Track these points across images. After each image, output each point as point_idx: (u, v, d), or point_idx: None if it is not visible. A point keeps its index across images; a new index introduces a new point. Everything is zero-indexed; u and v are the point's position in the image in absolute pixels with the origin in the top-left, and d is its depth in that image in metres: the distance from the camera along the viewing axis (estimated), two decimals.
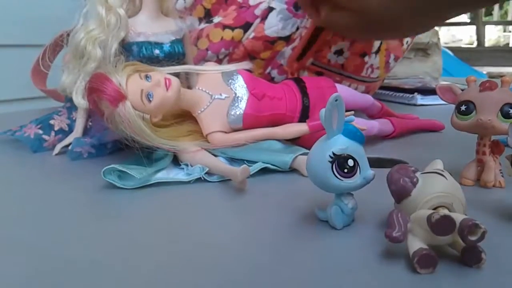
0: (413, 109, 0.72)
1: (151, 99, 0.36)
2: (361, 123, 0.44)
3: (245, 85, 0.41)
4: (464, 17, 4.17)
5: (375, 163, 0.28)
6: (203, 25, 0.56)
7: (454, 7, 0.41)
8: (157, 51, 0.42)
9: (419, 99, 0.76)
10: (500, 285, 0.22)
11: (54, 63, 0.51)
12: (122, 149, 0.39)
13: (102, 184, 0.35)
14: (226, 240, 0.27)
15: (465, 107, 0.34)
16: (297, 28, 0.54)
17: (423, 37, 0.95)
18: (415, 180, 0.25)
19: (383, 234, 0.23)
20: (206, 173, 0.37)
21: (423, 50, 0.97)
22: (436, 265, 0.22)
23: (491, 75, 2.30)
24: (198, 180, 0.37)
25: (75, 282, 0.22)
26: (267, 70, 0.56)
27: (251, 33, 0.54)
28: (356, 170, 0.26)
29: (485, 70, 2.61)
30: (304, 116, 0.43)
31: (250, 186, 0.35)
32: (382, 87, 0.81)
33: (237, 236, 0.27)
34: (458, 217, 0.22)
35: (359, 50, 0.58)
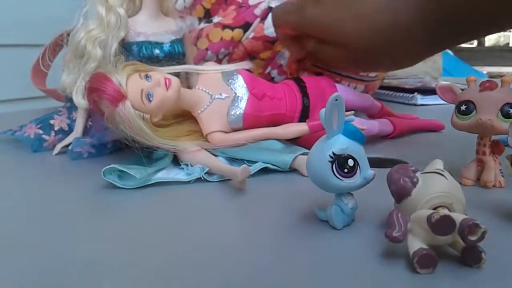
0: (413, 109, 0.72)
1: (151, 98, 0.36)
2: (361, 123, 0.44)
3: (245, 85, 0.41)
4: None
5: (375, 163, 0.28)
6: (202, 25, 0.56)
7: (435, 46, 0.41)
8: (157, 51, 0.42)
9: (419, 99, 0.76)
10: (500, 285, 0.22)
11: (54, 63, 0.51)
12: (122, 149, 0.39)
13: (102, 184, 0.35)
14: (226, 240, 0.27)
15: (465, 107, 0.34)
16: None
17: None
18: (415, 180, 0.25)
19: (383, 234, 0.23)
20: (206, 173, 0.37)
21: None
22: (436, 265, 0.22)
23: (491, 75, 2.30)
24: (198, 180, 0.37)
25: (75, 282, 0.22)
26: (267, 70, 0.56)
27: (250, 33, 0.54)
28: (356, 170, 0.26)
29: (485, 70, 2.61)
30: (304, 116, 0.43)
31: (250, 186, 0.35)
32: (382, 87, 0.81)
33: (237, 236, 0.27)
34: (458, 217, 0.22)
35: None
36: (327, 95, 0.39)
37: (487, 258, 0.22)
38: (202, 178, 0.37)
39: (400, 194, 0.25)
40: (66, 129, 0.47)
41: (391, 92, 0.82)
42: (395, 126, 0.51)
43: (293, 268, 0.23)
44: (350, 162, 0.26)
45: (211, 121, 0.41)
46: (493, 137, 0.36)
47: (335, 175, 0.26)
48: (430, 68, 0.97)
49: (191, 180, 0.37)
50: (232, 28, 0.54)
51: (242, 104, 0.41)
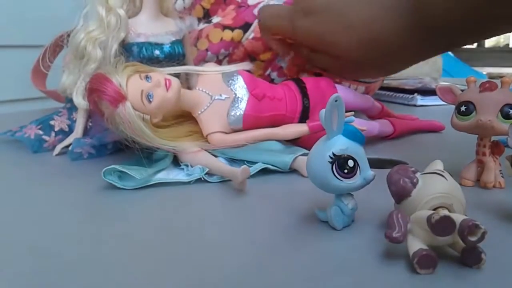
0: (413, 110, 0.72)
1: (151, 99, 0.36)
2: (361, 124, 0.44)
3: (245, 86, 0.41)
4: None
5: (375, 163, 0.28)
6: (202, 25, 0.56)
7: (425, 53, 0.42)
8: (157, 52, 0.42)
9: (419, 99, 0.76)
10: (500, 285, 0.22)
11: (54, 64, 0.51)
12: (122, 149, 0.39)
13: (102, 184, 0.35)
14: (226, 241, 0.27)
15: (465, 107, 0.34)
16: None
17: None
18: (415, 180, 0.25)
19: (383, 235, 0.23)
20: (206, 173, 0.37)
21: None
22: (436, 265, 0.22)
23: (491, 76, 2.30)
24: (198, 180, 0.37)
25: (75, 282, 0.22)
26: (267, 72, 0.56)
27: (250, 34, 0.54)
28: (356, 171, 0.26)
29: (485, 70, 2.61)
30: (304, 117, 0.43)
31: (250, 187, 0.35)
32: (382, 88, 0.81)
33: (237, 236, 0.27)
34: (458, 217, 0.22)
35: None
36: (327, 96, 0.39)
37: (487, 258, 0.22)
38: (202, 179, 0.37)
39: (400, 195, 0.25)
40: (66, 129, 0.47)
41: (391, 93, 0.82)
42: (395, 127, 0.51)
43: (293, 268, 0.23)
44: (350, 163, 0.26)
45: (211, 121, 0.41)
46: (493, 138, 0.36)
47: (335, 175, 0.26)
48: (430, 69, 0.97)
49: (191, 181, 0.37)
50: (232, 29, 0.54)
51: (242, 105, 0.41)
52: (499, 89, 0.33)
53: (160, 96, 0.37)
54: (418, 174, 0.26)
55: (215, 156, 0.40)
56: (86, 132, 0.45)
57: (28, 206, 0.32)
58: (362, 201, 0.28)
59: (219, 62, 0.54)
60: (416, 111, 0.69)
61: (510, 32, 0.37)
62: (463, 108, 0.34)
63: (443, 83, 0.42)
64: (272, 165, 0.39)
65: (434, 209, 0.24)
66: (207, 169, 0.37)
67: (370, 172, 0.26)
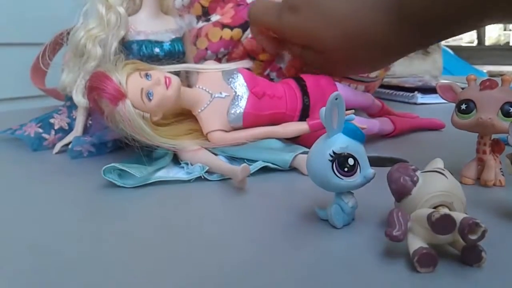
0: (413, 108, 0.72)
1: (151, 97, 0.36)
2: (361, 122, 0.44)
3: (245, 84, 0.41)
4: None
5: (375, 161, 0.28)
6: (201, 24, 0.56)
7: (411, 46, 0.42)
8: (157, 50, 0.42)
9: (419, 97, 0.76)
10: (501, 284, 0.22)
11: (53, 62, 0.51)
12: (122, 147, 0.39)
13: (102, 182, 0.35)
14: (226, 239, 0.27)
15: (466, 106, 0.34)
16: None
17: None
18: (415, 178, 0.25)
19: (383, 233, 0.23)
20: (206, 172, 0.37)
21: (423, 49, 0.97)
22: (436, 264, 0.22)
23: (491, 74, 2.30)
24: (198, 179, 0.37)
25: (75, 280, 0.22)
26: (266, 72, 0.56)
27: (250, 33, 0.54)
28: (356, 169, 0.26)
29: (486, 68, 2.61)
30: (304, 115, 0.43)
31: (250, 185, 0.35)
32: (382, 86, 0.81)
33: (237, 234, 0.27)
34: (458, 216, 0.22)
35: None
36: (327, 94, 0.39)
37: (488, 257, 0.22)
38: (202, 177, 0.37)
39: (400, 193, 0.25)
40: (66, 128, 0.47)
41: (391, 91, 0.82)
42: (396, 125, 0.51)
43: (293, 266, 0.23)
44: (350, 161, 0.26)
45: (211, 120, 0.41)
46: (493, 136, 0.36)
47: (335, 174, 0.26)
48: (430, 67, 0.97)
49: (191, 179, 0.37)
50: (231, 28, 0.54)
51: (242, 103, 0.41)
52: (500, 87, 0.33)
53: (160, 94, 0.37)
54: (418, 172, 0.25)
55: (215, 154, 0.40)
56: (86, 130, 0.45)
57: (28, 204, 0.32)
58: (362, 199, 0.28)
59: (219, 61, 0.54)
60: (417, 109, 0.69)
61: (495, 23, 0.38)
62: (463, 106, 0.34)
63: (444, 81, 0.42)
64: (272, 163, 0.38)
65: (435, 208, 0.24)
66: (207, 167, 0.37)
67: (370, 170, 0.26)
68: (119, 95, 0.35)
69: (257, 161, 0.39)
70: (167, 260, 0.24)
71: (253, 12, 0.48)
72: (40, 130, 0.46)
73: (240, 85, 0.41)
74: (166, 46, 0.43)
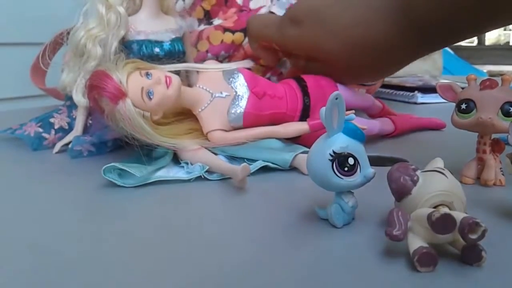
0: (413, 107, 0.72)
1: (151, 96, 0.36)
2: (362, 122, 0.44)
3: (245, 84, 0.41)
4: None
5: (375, 161, 0.28)
6: (202, 27, 0.56)
7: (415, 53, 0.42)
8: (157, 50, 0.42)
9: (420, 97, 0.76)
10: (501, 283, 0.22)
11: (53, 62, 0.51)
12: (122, 147, 0.39)
13: (102, 182, 0.35)
14: (225, 239, 0.27)
15: (466, 105, 0.34)
16: None
17: None
18: (415, 178, 0.25)
19: (384, 233, 0.23)
20: (206, 171, 0.37)
21: None
22: (436, 263, 0.22)
23: (491, 74, 2.30)
24: (198, 178, 0.37)
25: (75, 280, 0.22)
26: (267, 76, 0.56)
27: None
28: (357, 169, 0.26)
29: (486, 68, 2.61)
30: (304, 115, 0.43)
31: (250, 185, 0.35)
32: (383, 85, 0.81)
33: (237, 234, 0.27)
34: (458, 215, 0.22)
35: None
36: (328, 94, 0.39)
37: (488, 256, 0.22)
38: (202, 177, 0.37)
39: (401, 193, 0.25)
40: (66, 127, 0.47)
41: (391, 91, 0.82)
42: (396, 125, 0.50)
43: (293, 266, 0.23)
44: (350, 161, 0.26)
45: (211, 119, 0.41)
46: (494, 136, 0.36)
47: (335, 173, 0.26)
48: (430, 67, 0.97)
49: (191, 179, 0.37)
50: (233, 32, 0.54)
51: (243, 103, 0.41)
52: (500, 87, 0.33)
53: (161, 93, 0.37)
54: (418, 172, 0.26)
55: (215, 154, 0.40)
56: (86, 130, 0.45)
57: (28, 204, 0.32)
58: (362, 199, 0.28)
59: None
60: (417, 109, 0.69)
61: (500, 27, 0.38)
62: (463, 106, 0.34)
63: (444, 81, 0.42)
64: (272, 163, 0.38)
65: (435, 207, 0.24)
66: (207, 167, 0.37)
67: (371, 170, 0.26)
68: (120, 94, 0.35)
69: (257, 160, 0.39)
70: (167, 260, 0.24)
71: (253, 26, 0.48)
72: (40, 130, 0.46)
73: (241, 85, 0.41)
74: (166, 46, 0.43)
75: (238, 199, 0.33)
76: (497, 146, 0.35)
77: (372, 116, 0.53)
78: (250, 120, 0.41)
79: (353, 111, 0.38)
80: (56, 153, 0.45)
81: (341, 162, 0.26)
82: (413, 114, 0.57)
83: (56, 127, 0.47)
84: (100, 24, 0.41)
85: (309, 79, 0.45)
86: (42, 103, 0.68)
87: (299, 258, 0.24)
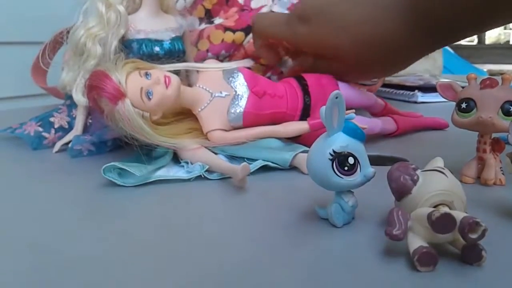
0: (414, 107, 0.72)
1: (150, 97, 0.36)
2: (363, 121, 0.44)
3: (245, 83, 0.41)
4: None
5: (375, 160, 0.28)
6: (203, 26, 0.56)
7: (423, 50, 0.43)
8: (157, 49, 0.42)
9: (420, 96, 0.76)
10: (501, 283, 0.22)
11: (53, 61, 0.51)
12: (122, 146, 0.38)
13: (102, 181, 0.35)
14: (226, 238, 0.27)
15: (466, 104, 0.34)
16: None
17: None
18: (415, 178, 0.25)
19: (384, 232, 0.23)
20: (206, 170, 0.37)
21: None
22: (436, 263, 0.22)
23: (491, 73, 2.30)
24: (198, 177, 0.37)
25: (75, 279, 0.22)
26: (267, 75, 0.56)
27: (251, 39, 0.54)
28: (357, 168, 0.26)
29: (486, 67, 2.61)
30: (305, 115, 0.43)
31: (250, 184, 0.35)
32: (383, 85, 0.81)
33: (237, 233, 0.27)
34: (458, 215, 0.22)
35: None
36: (328, 93, 0.38)
37: (488, 256, 0.22)
38: (202, 176, 0.37)
39: (401, 192, 0.25)
40: (66, 126, 0.47)
41: (392, 90, 0.82)
42: (398, 125, 0.50)
43: (293, 266, 0.23)
44: (351, 160, 0.26)
45: (211, 119, 0.40)
46: (494, 135, 0.35)
47: (335, 173, 0.26)
48: (431, 66, 0.97)
49: (191, 178, 0.37)
50: (234, 31, 0.54)
51: (243, 102, 0.41)
52: (500, 86, 0.33)
53: (160, 93, 0.37)
54: (418, 171, 0.25)
55: (215, 153, 0.40)
56: (86, 129, 0.45)
57: (28, 203, 0.32)
58: (363, 199, 0.28)
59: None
60: (417, 108, 0.69)
61: (501, 26, 0.38)
62: (463, 105, 0.34)
63: (444, 80, 0.42)
64: (272, 162, 0.38)
65: (435, 207, 0.24)
66: (207, 166, 0.37)
67: (371, 169, 0.26)
68: (119, 94, 0.35)
69: (257, 160, 0.39)
70: (167, 259, 0.24)
71: (259, 24, 0.48)
72: (40, 129, 0.46)
73: (241, 84, 0.41)
74: (166, 44, 0.43)
75: (238, 198, 0.33)
76: (497, 145, 0.35)
77: (374, 114, 0.53)
78: (250, 119, 0.41)
79: (354, 110, 0.38)
80: (56, 152, 0.45)
81: (341, 161, 0.25)
82: (416, 112, 0.57)
83: (56, 126, 0.47)
84: (100, 23, 0.41)
85: (310, 78, 0.44)
86: (42, 102, 0.68)
87: (299, 257, 0.24)
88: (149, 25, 0.42)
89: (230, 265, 0.23)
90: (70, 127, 0.46)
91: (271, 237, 0.27)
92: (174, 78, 0.38)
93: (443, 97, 0.37)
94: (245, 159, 0.39)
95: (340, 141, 0.26)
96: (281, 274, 0.22)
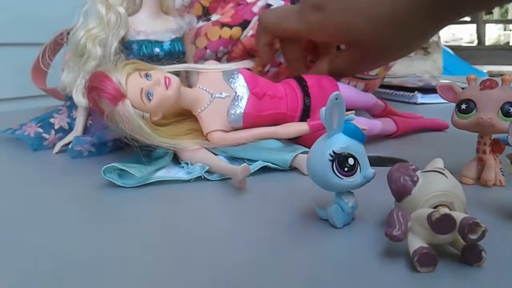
0: (413, 108, 0.72)
1: (150, 98, 0.36)
2: (363, 122, 0.44)
3: (245, 84, 0.41)
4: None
5: (375, 161, 0.28)
6: (201, 23, 0.56)
7: (438, 24, 0.43)
8: (157, 50, 0.42)
9: (420, 97, 0.76)
10: (501, 283, 0.22)
11: (54, 62, 0.51)
12: (122, 147, 0.38)
13: (102, 182, 0.35)
14: (226, 239, 0.27)
15: (466, 105, 0.34)
16: None
17: None
18: (415, 178, 0.25)
19: (384, 233, 0.23)
20: (206, 171, 0.37)
21: (424, 49, 0.97)
22: (436, 263, 0.22)
23: (491, 74, 2.29)
24: (198, 178, 0.37)
25: (75, 280, 0.22)
26: (266, 68, 0.56)
27: (249, 31, 0.54)
28: (357, 169, 0.26)
29: (486, 68, 2.61)
30: (305, 116, 0.43)
31: (250, 185, 0.35)
32: (383, 86, 0.81)
33: (237, 234, 0.27)
34: (458, 215, 0.22)
35: None
36: (328, 95, 0.39)
37: (488, 257, 0.22)
38: (202, 177, 0.37)
39: (401, 193, 0.25)
40: (66, 127, 0.47)
41: (391, 91, 0.82)
42: (398, 126, 0.50)
43: (293, 266, 0.23)
44: (350, 161, 0.26)
45: (211, 120, 0.41)
46: (494, 136, 0.36)
47: (335, 173, 0.26)
48: (431, 67, 0.97)
49: (191, 179, 0.37)
50: (231, 27, 0.54)
51: (243, 103, 0.41)
52: (500, 87, 0.33)
53: (160, 94, 0.37)
54: (418, 172, 0.26)
55: (215, 154, 0.40)
56: (86, 130, 0.45)
57: (28, 204, 0.32)
58: (363, 199, 0.28)
59: (218, 60, 0.54)
60: (417, 109, 0.69)
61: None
62: (463, 106, 0.34)
63: (444, 81, 0.42)
64: (272, 163, 0.38)
65: (435, 207, 0.24)
66: (207, 167, 0.37)
67: (371, 170, 0.26)
68: (119, 95, 0.35)
69: (257, 161, 0.39)
70: (167, 259, 0.24)
71: (268, 20, 0.48)
72: (40, 130, 0.46)
73: (241, 86, 0.41)
74: (166, 46, 0.43)
75: (238, 199, 0.33)
76: (497, 146, 0.35)
77: (374, 115, 0.53)
78: (250, 120, 0.41)
79: (353, 111, 0.38)
80: (56, 153, 0.45)
81: (341, 162, 0.26)
82: (416, 113, 0.57)
83: (56, 127, 0.47)
84: (100, 24, 0.41)
85: (310, 79, 0.44)
86: (42, 103, 0.68)
87: (299, 258, 0.24)
88: (149, 26, 0.43)
89: (230, 265, 0.23)
90: (70, 128, 0.46)
91: (271, 238, 0.27)
92: (174, 79, 0.38)
93: (443, 98, 0.37)
94: (245, 160, 0.39)
95: (340, 142, 0.26)
96: (281, 275, 0.22)
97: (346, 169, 0.26)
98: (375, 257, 0.24)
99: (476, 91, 0.34)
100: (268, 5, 0.53)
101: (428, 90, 0.76)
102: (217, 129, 0.40)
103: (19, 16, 0.87)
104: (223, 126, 0.40)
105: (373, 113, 0.53)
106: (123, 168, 0.35)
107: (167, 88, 0.37)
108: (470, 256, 0.23)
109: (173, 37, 0.43)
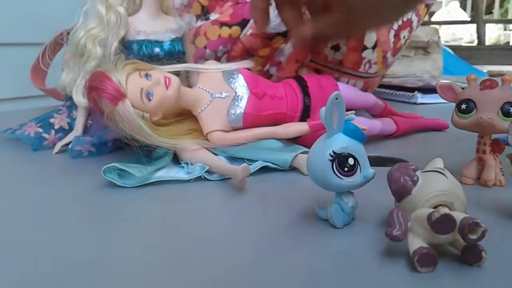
0: (413, 108, 0.72)
1: (150, 97, 0.36)
2: (363, 122, 0.44)
3: (245, 84, 0.41)
4: (465, 16, 4.16)
5: (375, 161, 0.28)
6: (200, 23, 0.56)
7: None
8: (157, 50, 0.42)
9: (419, 97, 0.76)
10: (501, 283, 0.22)
11: (53, 62, 0.51)
12: (122, 147, 0.38)
13: (102, 182, 0.35)
14: (226, 238, 0.27)
15: (466, 105, 0.34)
16: None
17: (423, 36, 0.95)
18: (415, 178, 0.25)
19: (384, 233, 0.23)
20: (206, 171, 0.37)
21: (424, 49, 0.97)
22: (436, 263, 0.22)
23: (491, 74, 2.29)
24: (198, 178, 0.37)
25: (75, 280, 0.22)
26: (266, 68, 0.56)
27: (248, 30, 0.54)
28: (357, 169, 0.26)
29: (486, 68, 2.60)
30: (305, 116, 0.43)
31: (250, 185, 0.35)
32: (383, 86, 0.81)
33: (237, 234, 0.27)
34: (458, 215, 0.22)
35: (356, 45, 0.58)
36: (328, 94, 0.39)
37: (488, 256, 0.22)
38: (202, 177, 0.37)
39: (401, 193, 0.25)
40: (66, 127, 0.47)
41: (391, 91, 0.82)
42: (398, 126, 0.50)
43: (293, 266, 0.23)
44: (350, 161, 0.26)
45: (211, 120, 0.41)
46: (493, 136, 0.36)
47: (335, 173, 0.26)
48: (431, 67, 0.97)
49: (191, 179, 0.37)
50: (230, 26, 0.54)
51: (243, 103, 0.41)
52: (500, 87, 0.33)
53: (160, 94, 0.37)
54: (418, 172, 0.25)
55: (215, 154, 0.40)
56: (86, 130, 0.45)
57: (28, 204, 0.32)
58: (363, 199, 0.28)
59: (218, 59, 0.54)
60: (417, 109, 0.69)
61: None
62: (463, 106, 0.34)
63: (444, 81, 0.42)
64: (272, 163, 0.38)
65: (435, 207, 0.24)
66: (207, 167, 0.37)
67: (371, 170, 0.26)
68: (119, 95, 0.35)
69: (257, 161, 0.39)
70: (167, 259, 0.24)
71: None
72: (40, 130, 0.46)
73: (241, 86, 0.41)
74: (166, 46, 0.43)
75: (238, 199, 0.33)
76: (497, 146, 0.35)
77: (374, 115, 0.53)
78: (250, 120, 0.41)
79: (353, 111, 0.38)
80: (56, 153, 0.45)
81: (341, 162, 0.26)
82: (416, 113, 0.57)
83: (56, 127, 0.47)
84: (100, 24, 0.41)
85: (310, 79, 0.44)
86: (42, 103, 0.68)
87: (299, 258, 0.24)
88: (149, 26, 0.43)
89: (230, 265, 0.23)
90: (70, 128, 0.46)
91: (271, 238, 0.27)
92: (174, 79, 0.38)
93: (443, 98, 0.37)
94: (245, 160, 0.39)
95: (340, 142, 0.26)
96: (281, 274, 0.22)
97: (346, 169, 0.26)
98: (375, 257, 0.24)
99: (476, 91, 0.34)
100: None
101: (428, 90, 0.76)
102: (217, 129, 0.40)
103: (19, 16, 0.87)
104: (223, 126, 0.40)
105: (373, 113, 0.53)
106: (123, 168, 0.35)
107: (167, 88, 0.37)
108: (470, 256, 0.23)
109: (173, 37, 0.43)
